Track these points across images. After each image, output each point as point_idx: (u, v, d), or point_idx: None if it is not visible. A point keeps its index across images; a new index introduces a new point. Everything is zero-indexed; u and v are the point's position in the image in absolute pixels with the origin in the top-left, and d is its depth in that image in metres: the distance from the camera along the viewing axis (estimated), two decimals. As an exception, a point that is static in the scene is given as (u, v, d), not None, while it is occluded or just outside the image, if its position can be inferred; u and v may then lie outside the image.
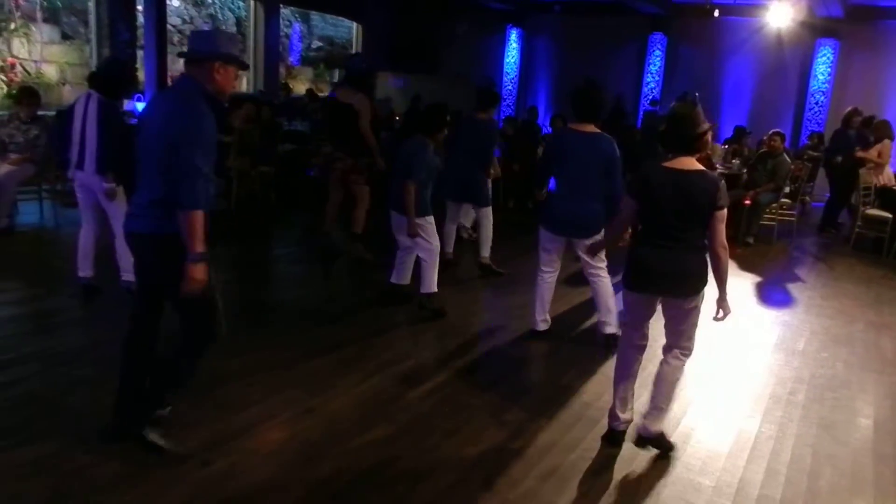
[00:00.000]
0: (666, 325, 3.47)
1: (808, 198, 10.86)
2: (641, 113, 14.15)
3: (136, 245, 3.06)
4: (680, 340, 3.43)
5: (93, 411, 3.50)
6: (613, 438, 3.57)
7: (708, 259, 3.29)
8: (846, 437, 3.91)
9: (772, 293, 6.81)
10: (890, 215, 8.49)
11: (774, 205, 8.90)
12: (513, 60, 15.90)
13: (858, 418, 4.17)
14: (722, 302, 3.32)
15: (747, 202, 8.70)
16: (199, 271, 2.84)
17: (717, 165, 9.50)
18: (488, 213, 6.53)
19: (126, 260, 4.92)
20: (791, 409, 4.20)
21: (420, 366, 4.40)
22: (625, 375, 3.57)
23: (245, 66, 3.16)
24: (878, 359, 5.17)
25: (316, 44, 15.82)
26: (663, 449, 3.50)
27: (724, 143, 11.30)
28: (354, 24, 15.71)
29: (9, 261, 6.10)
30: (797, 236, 9.33)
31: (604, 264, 4.82)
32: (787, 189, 9.07)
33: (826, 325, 5.82)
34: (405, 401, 3.90)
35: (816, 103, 12.77)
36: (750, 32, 13.43)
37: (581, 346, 4.95)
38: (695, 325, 3.42)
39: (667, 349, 3.49)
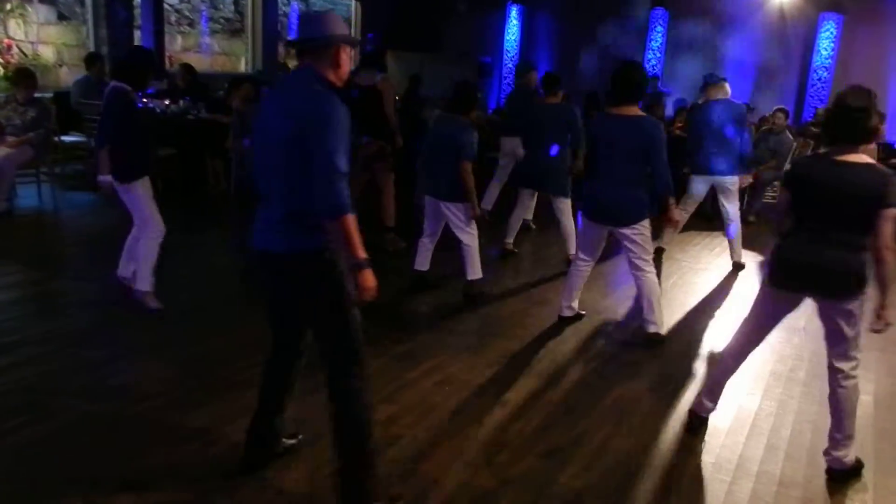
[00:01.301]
0: (827, 339, 3.24)
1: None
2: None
3: (268, 265, 2.75)
4: (846, 353, 3.18)
5: (98, 392, 3.53)
6: (695, 423, 3.52)
7: (866, 260, 3.04)
8: (846, 413, 3.92)
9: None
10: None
11: (777, 182, 8.86)
12: (513, 38, 15.75)
13: (860, 395, 4.18)
14: (883, 310, 3.06)
15: (750, 180, 8.66)
16: (368, 279, 2.57)
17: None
18: (566, 204, 6.26)
19: (128, 261, 4.74)
20: (792, 386, 4.22)
21: (422, 346, 4.41)
22: (733, 368, 3.50)
23: (358, 44, 2.76)
24: (880, 337, 5.06)
25: (315, 22, 15.69)
26: (858, 472, 3.28)
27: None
28: (353, 2, 15.56)
29: (9, 244, 6.11)
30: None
31: (650, 258, 4.62)
32: (789, 166, 9.02)
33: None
34: (407, 380, 3.92)
35: (819, 79, 12.65)
36: (752, 7, 13.28)
37: (584, 326, 4.95)
38: (859, 333, 3.16)
39: (834, 369, 3.21)
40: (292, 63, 14.42)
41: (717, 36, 13.60)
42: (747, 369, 4.39)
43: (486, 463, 3.18)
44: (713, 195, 6.72)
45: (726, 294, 5.95)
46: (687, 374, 4.27)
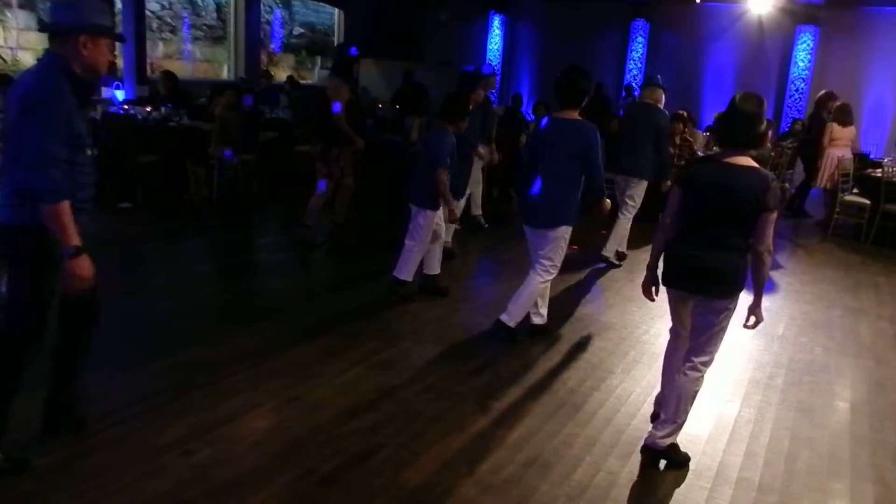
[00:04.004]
0: (691, 331, 3.33)
1: (787, 185, 10.94)
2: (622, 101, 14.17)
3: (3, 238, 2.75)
4: (703, 347, 3.26)
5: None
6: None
7: (747, 262, 3.17)
8: (824, 420, 3.98)
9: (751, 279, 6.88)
10: (868, 202, 8.60)
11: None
12: (496, 47, 15.84)
13: (836, 402, 4.24)
14: (756, 308, 3.20)
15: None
16: (80, 267, 2.64)
17: (699, 153, 9.55)
18: (458, 205, 6.33)
19: None
20: (770, 393, 4.27)
21: (404, 354, 4.41)
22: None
23: (120, 38, 2.87)
24: (856, 343, 5.25)
25: (297, 30, 15.66)
26: (676, 463, 3.35)
27: (705, 131, 11.36)
28: (336, 11, 15.57)
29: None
30: (777, 223, 9.43)
31: (551, 264, 4.58)
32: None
33: (805, 311, 5.89)
34: (390, 388, 3.92)
35: (797, 90, 12.85)
36: (731, 19, 13.48)
37: (565, 334, 4.98)
38: (722, 331, 3.25)
39: (686, 358, 3.32)
40: (274, 70, 14.41)
41: (697, 47, 13.78)
42: (726, 376, 4.46)
43: (469, 471, 3.18)
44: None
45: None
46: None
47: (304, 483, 3.00)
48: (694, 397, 3.32)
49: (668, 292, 3.39)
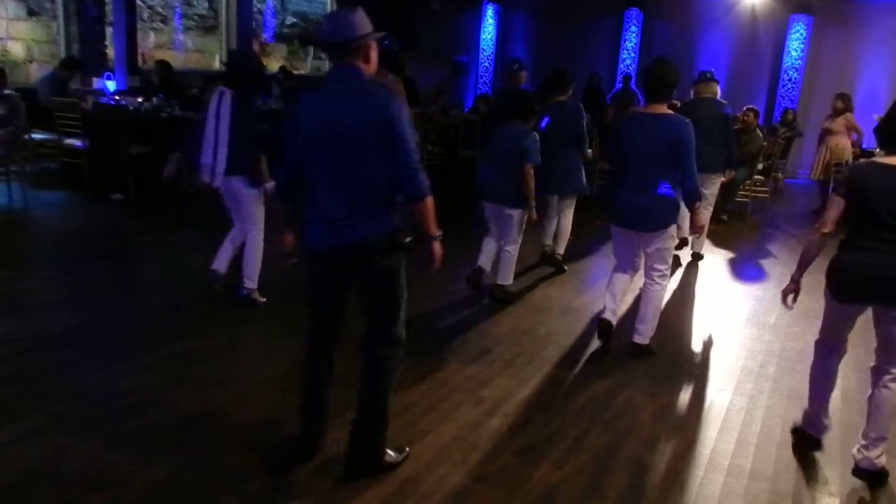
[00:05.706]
0: (879, 341, 3.21)
1: (780, 174, 10.97)
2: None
3: (355, 254, 2.83)
4: None
5: (67, 394, 3.48)
6: (816, 446, 3.45)
7: None
8: (815, 408, 4.00)
9: (744, 268, 6.91)
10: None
11: (748, 182, 9.00)
12: (489, 37, 15.80)
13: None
14: None
15: (731, 175, 8.82)
16: (440, 250, 2.90)
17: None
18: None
19: (252, 267, 4.88)
20: (762, 381, 4.29)
21: (397, 344, 4.41)
22: (830, 388, 3.42)
23: (379, 39, 2.96)
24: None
25: (290, 20, 15.56)
26: (882, 482, 3.21)
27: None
28: (329, 0, 15.49)
29: (-22, 243, 6.00)
30: (770, 213, 9.47)
31: (667, 269, 4.44)
32: (760, 166, 9.16)
33: (797, 300, 5.89)
34: (383, 379, 3.91)
35: (790, 80, 12.86)
36: (724, 8, 13.47)
37: (559, 325, 5.00)
38: None
39: (881, 371, 3.20)
40: (267, 60, 14.32)
41: (690, 36, 13.77)
42: (719, 365, 4.49)
43: (462, 460, 3.19)
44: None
45: (695, 291, 6.03)
46: (660, 370, 4.33)
47: (297, 473, 3.00)
48: None
49: (840, 308, 3.25)
